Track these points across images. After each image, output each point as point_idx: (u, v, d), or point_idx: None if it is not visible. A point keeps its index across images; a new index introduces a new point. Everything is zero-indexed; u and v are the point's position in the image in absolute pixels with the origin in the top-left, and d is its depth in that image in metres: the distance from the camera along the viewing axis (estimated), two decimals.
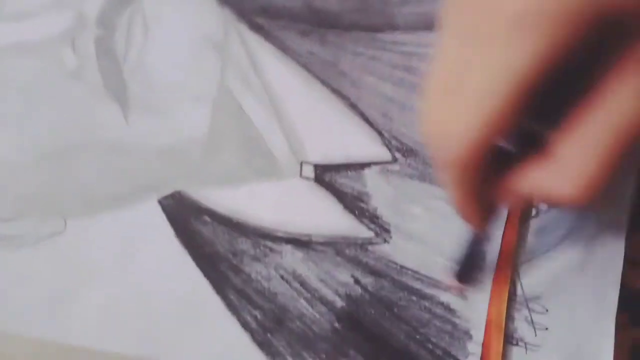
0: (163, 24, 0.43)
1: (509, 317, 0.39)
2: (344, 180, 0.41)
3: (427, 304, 0.39)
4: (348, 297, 0.39)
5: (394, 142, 0.41)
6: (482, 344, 0.38)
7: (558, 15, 0.24)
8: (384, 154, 0.41)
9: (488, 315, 0.39)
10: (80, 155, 0.42)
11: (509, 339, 0.39)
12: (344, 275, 0.40)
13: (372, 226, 0.40)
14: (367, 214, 0.41)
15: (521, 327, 0.39)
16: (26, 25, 0.43)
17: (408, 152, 0.41)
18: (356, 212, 0.41)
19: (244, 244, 0.40)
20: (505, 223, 0.40)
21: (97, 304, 0.40)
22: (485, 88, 0.26)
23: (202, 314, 0.39)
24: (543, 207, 0.40)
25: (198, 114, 0.42)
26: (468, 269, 0.39)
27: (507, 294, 0.39)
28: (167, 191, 0.41)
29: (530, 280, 0.39)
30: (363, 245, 0.40)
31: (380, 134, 0.42)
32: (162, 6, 0.43)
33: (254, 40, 0.43)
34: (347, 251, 0.40)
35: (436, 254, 0.40)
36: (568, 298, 0.39)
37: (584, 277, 0.39)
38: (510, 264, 0.39)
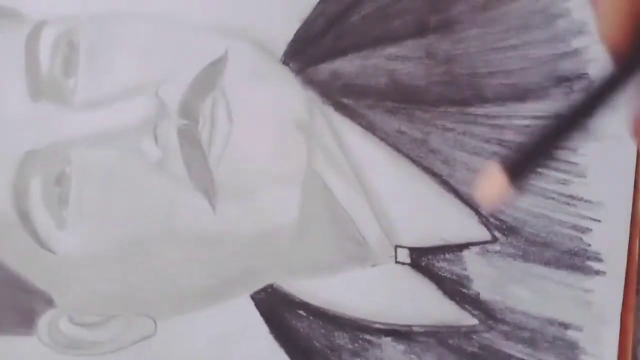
0: (247, 109, 0.42)
1: None
2: (442, 264, 0.39)
3: None
4: None
5: (492, 219, 0.40)
6: None
7: None
8: (482, 233, 0.40)
9: None
10: (164, 247, 0.41)
11: None
12: None
13: (476, 312, 0.39)
14: (469, 299, 0.39)
15: None
16: (102, 114, 0.40)
17: (508, 230, 0.39)
18: (457, 298, 0.39)
19: (341, 339, 0.39)
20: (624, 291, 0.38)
21: None
22: None
23: None
24: None
25: (286, 198, 0.41)
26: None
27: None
28: (259, 285, 0.40)
29: None
30: (467, 333, 0.38)
31: (476, 212, 0.40)
32: (245, 91, 0.43)
33: (340, 121, 0.42)
34: (450, 341, 0.38)
35: (545, 339, 0.38)
36: None
37: None
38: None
